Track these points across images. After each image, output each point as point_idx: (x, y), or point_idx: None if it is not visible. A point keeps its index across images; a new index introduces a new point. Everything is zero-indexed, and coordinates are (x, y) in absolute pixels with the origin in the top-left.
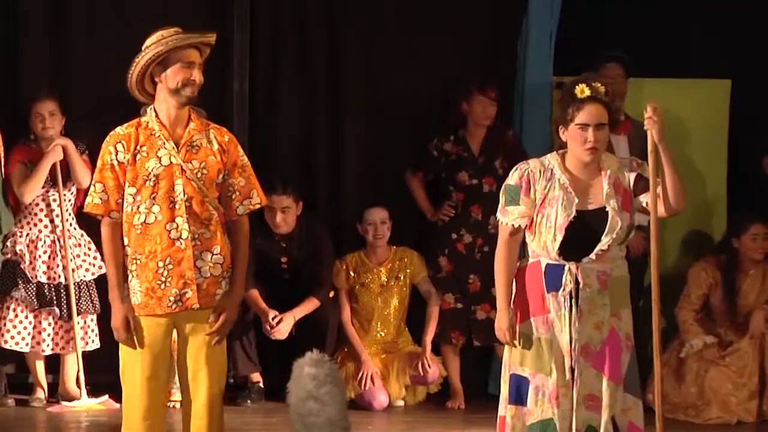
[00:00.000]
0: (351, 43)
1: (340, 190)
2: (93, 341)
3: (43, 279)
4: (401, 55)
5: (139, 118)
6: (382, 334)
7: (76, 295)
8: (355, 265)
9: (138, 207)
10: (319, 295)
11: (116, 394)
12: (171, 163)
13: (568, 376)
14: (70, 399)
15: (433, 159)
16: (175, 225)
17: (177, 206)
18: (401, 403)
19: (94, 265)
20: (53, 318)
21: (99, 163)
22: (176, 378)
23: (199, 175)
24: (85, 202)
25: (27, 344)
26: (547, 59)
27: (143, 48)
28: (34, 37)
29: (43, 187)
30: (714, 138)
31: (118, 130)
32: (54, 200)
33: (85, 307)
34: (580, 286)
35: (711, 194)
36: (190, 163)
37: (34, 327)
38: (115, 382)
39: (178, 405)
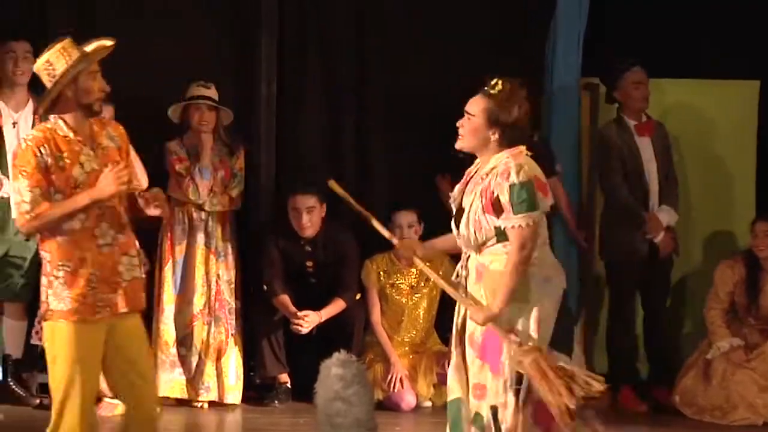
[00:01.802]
0: (378, 45)
1: (368, 190)
2: None
3: None
4: (429, 57)
5: (44, 123)
6: (411, 335)
7: None
8: (385, 266)
9: None
10: (345, 296)
11: None
12: (93, 169)
13: (455, 359)
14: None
15: (458, 160)
16: (101, 231)
17: (102, 212)
18: (429, 404)
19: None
20: None
21: (29, 167)
22: (204, 378)
23: None
24: (25, 210)
25: None
26: (575, 60)
27: (49, 64)
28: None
29: None
30: (742, 139)
31: (36, 134)
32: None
33: None
34: (462, 273)
35: (739, 196)
36: (106, 166)
37: None
38: None
39: (206, 405)
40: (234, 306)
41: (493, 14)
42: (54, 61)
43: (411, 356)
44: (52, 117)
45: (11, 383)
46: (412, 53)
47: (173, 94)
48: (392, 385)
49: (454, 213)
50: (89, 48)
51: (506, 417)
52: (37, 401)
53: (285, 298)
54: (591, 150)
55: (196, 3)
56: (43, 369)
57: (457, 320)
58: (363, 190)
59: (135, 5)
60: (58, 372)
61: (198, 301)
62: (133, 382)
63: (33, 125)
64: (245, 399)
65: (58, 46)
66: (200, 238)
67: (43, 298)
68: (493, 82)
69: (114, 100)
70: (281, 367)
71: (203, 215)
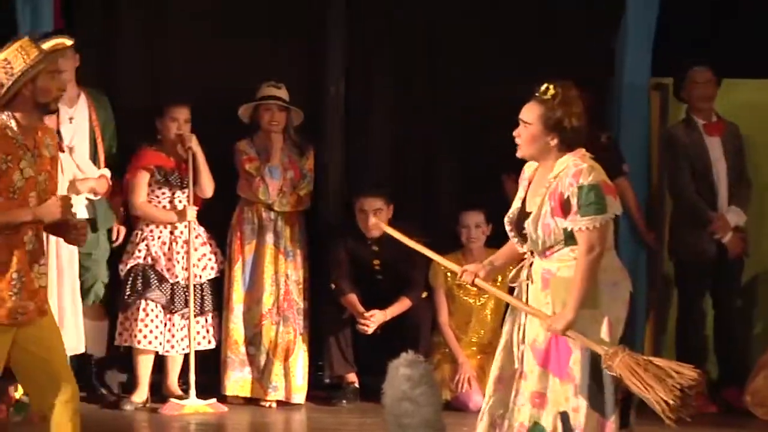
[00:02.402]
0: (446, 44)
1: (435, 190)
2: (210, 341)
3: (180, 279)
4: (496, 57)
5: None
6: (479, 336)
7: (198, 294)
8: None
9: None
10: (411, 295)
11: (218, 395)
12: (30, 176)
13: (516, 365)
14: (174, 398)
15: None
16: (28, 238)
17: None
18: None
19: (218, 263)
20: (180, 317)
21: None
22: (272, 378)
23: (44, 187)
24: None
25: (160, 343)
26: (645, 60)
27: (7, 62)
28: (129, 38)
29: (171, 190)
30: None
31: None
32: (180, 201)
33: (208, 306)
34: (527, 281)
35: None
36: (41, 174)
37: (166, 327)
38: (214, 382)
39: (274, 405)
40: (302, 306)
41: (562, 15)
42: (11, 60)
43: (479, 356)
44: (4, 114)
45: (95, 383)
46: (481, 52)
47: (243, 94)
48: (460, 385)
49: (512, 220)
50: (47, 46)
51: (579, 421)
52: (114, 399)
53: (353, 297)
54: (660, 151)
55: (267, 4)
56: (125, 368)
57: (516, 332)
58: (431, 190)
59: (206, 6)
60: None
61: (267, 301)
62: (44, 384)
63: (89, 120)
64: (313, 399)
65: (16, 44)
66: (269, 237)
67: None
68: (544, 88)
69: (187, 101)
70: (349, 366)
71: (272, 215)
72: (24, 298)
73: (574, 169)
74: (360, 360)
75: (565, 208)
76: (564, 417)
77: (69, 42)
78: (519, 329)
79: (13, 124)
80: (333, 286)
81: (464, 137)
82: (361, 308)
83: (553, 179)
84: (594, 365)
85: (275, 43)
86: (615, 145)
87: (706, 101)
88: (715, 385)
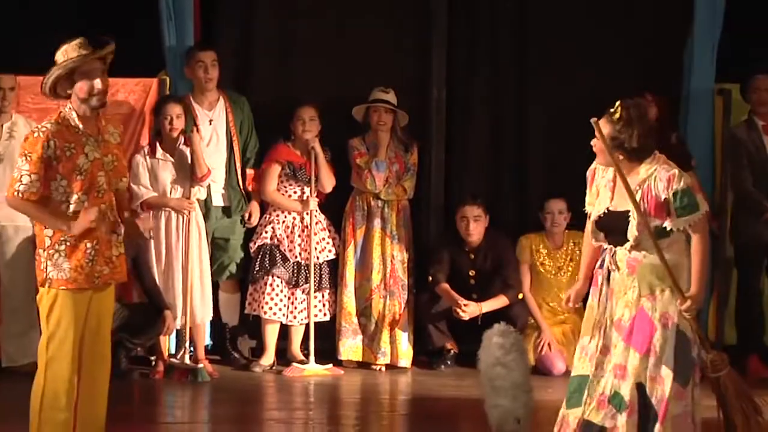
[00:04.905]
0: (539, 53)
1: (525, 181)
2: (326, 314)
3: (300, 260)
4: (579, 63)
5: (59, 112)
6: (560, 306)
7: (317, 272)
8: (537, 245)
9: (68, 197)
10: (508, 294)
11: (334, 360)
12: (95, 158)
13: (599, 342)
14: (296, 362)
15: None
16: (99, 211)
17: (100, 195)
18: None
19: (335, 246)
20: (301, 292)
21: (35, 155)
22: (380, 345)
23: (111, 167)
24: (19, 189)
25: (284, 315)
26: (710, 66)
27: (62, 54)
28: (263, 50)
29: (298, 185)
30: None
31: (49, 126)
32: (303, 192)
33: (325, 283)
34: (611, 268)
35: None
36: (107, 156)
37: (290, 300)
38: (330, 349)
39: (383, 368)
40: (406, 282)
41: (637, 25)
42: (62, 54)
43: (561, 326)
44: (66, 107)
45: (229, 348)
46: (570, 60)
47: (361, 95)
48: (540, 348)
49: (603, 220)
50: (102, 51)
51: (657, 390)
52: (244, 362)
53: (446, 286)
54: (723, 149)
55: (382, 21)
56: (254, 336)
57: (599, 310)
58: (521, 181)
59: (330, 24)
60: (53, 333)
61: (375, 278)
62: (92, 346)
63: (226, 120)
64: (417, 363)
65: (65, 47)
66: (377, 223)
67: (42, 267)
68: (614, 108)
69: (312, 102)
70: (446, 337)
71: (380, 203)
72: (100, 263)
73: (666, 175)
74: (459, 329)
75: (660, 209)
76: (640, 387)
77: (111, 48)
78: (605, 310)
79: (74, 115)
80: (430, 278)
81: (552, 136)
82: (455, 296)
83: (642, 182)
84: (680, 343)
85: (388, 52)
86: (683, 142)
87: (766, 105)
88: None
